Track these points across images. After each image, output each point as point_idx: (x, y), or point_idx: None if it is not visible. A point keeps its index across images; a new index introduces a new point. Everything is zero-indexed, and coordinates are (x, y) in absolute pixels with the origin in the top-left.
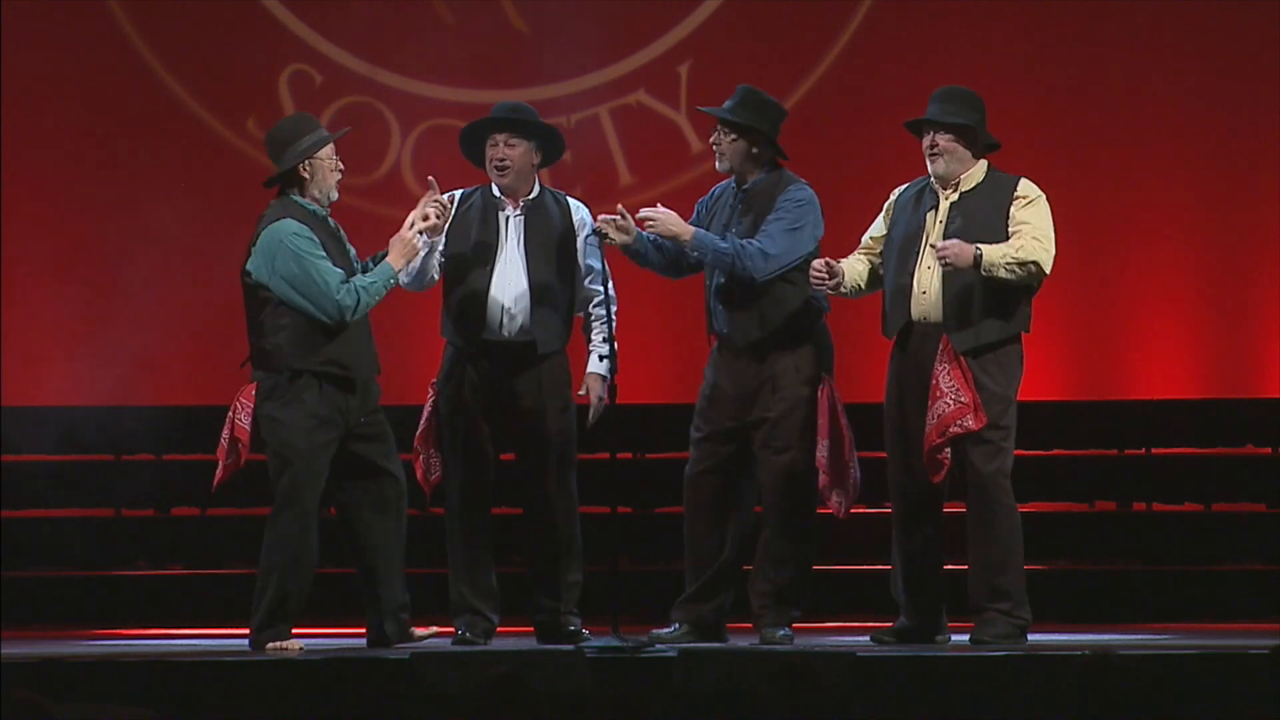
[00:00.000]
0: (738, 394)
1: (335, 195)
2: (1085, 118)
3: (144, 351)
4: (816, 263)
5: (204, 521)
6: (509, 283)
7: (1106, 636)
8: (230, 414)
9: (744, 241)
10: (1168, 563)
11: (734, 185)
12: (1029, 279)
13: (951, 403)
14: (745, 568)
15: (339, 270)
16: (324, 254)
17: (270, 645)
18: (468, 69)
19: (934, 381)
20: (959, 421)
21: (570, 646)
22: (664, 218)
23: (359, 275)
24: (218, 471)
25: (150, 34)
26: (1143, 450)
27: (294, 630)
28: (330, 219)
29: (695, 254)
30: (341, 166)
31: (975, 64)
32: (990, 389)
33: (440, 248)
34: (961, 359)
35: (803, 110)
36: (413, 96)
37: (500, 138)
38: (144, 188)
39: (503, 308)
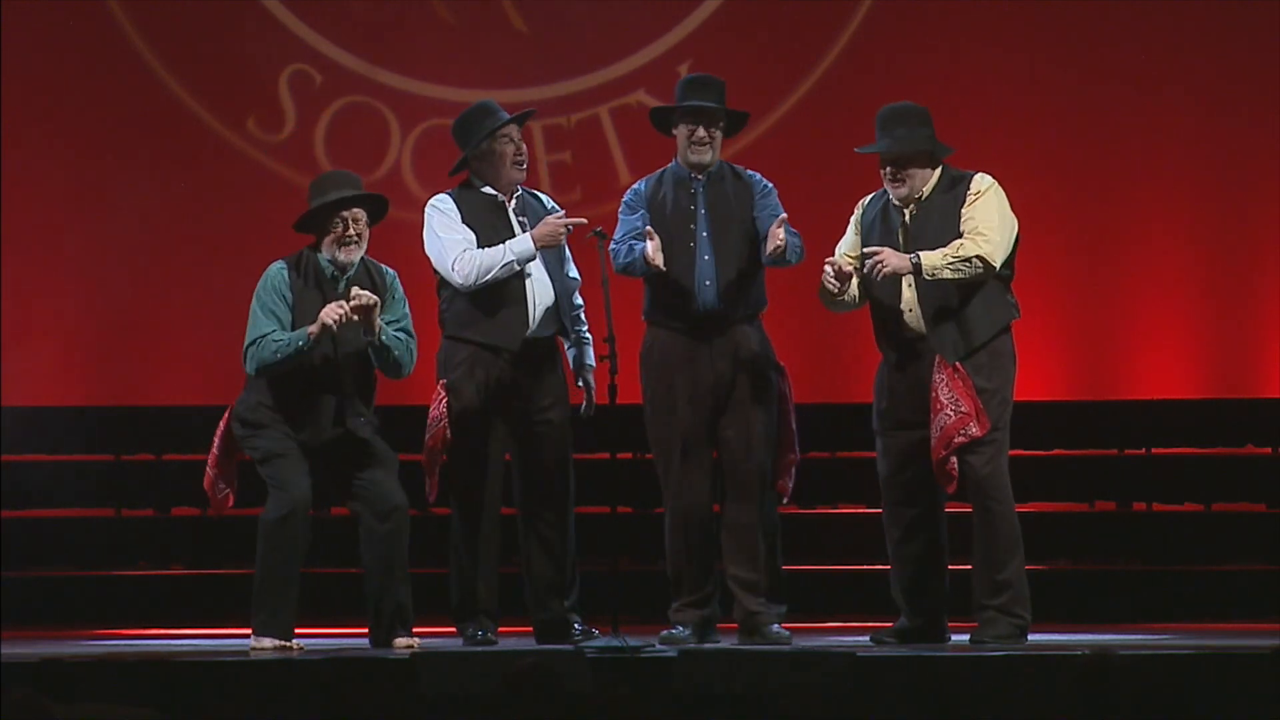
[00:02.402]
0: (716, 378)
1: (344, 258)
2: (1085, 118)
3: (144, 351)
4: (839, 262)
5: (204, 521)
6: (538, 279)
7: (1106, 636)
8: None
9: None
10: (1168, 563)
11: (687, 174)
12: (978, 274)
13: (952, 414)
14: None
15: (270, 325)
16: (275, 308)
17: (270, 645)
18: (468, 69)
19: (933, 394)
20: (962, 431)
21: (570, 646)
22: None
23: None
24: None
25: (150, 34)
26: (1143, 450)
27: (294, 630)
28: (345, 280)
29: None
30: (357, 239)
31: (975, 64)
32: (987, 389)
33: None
34: (958, 367)
35: (803, 110)
36: (413, 96)
37: (517, 133)
38: (144, 187)
39: (538, 305)
